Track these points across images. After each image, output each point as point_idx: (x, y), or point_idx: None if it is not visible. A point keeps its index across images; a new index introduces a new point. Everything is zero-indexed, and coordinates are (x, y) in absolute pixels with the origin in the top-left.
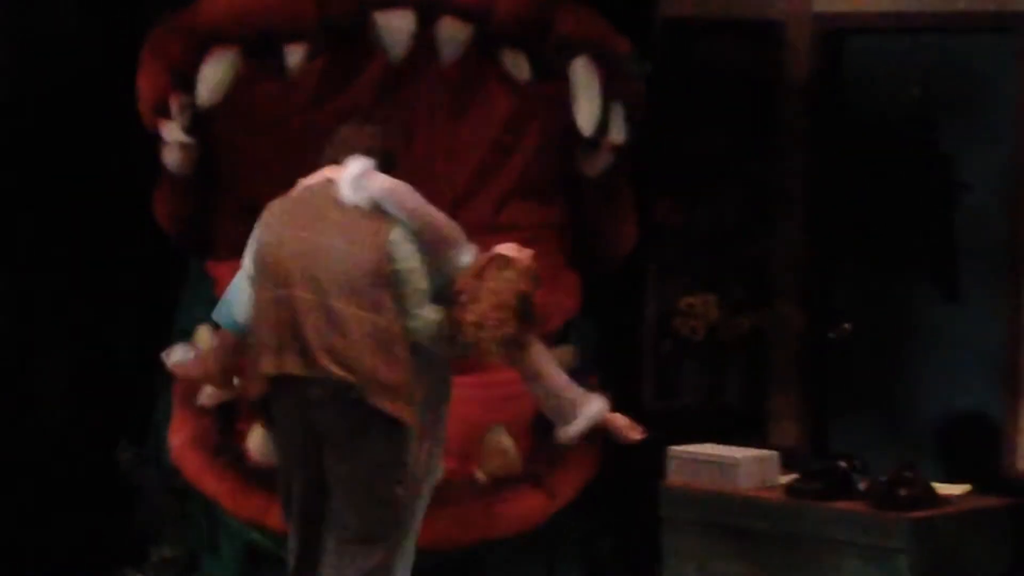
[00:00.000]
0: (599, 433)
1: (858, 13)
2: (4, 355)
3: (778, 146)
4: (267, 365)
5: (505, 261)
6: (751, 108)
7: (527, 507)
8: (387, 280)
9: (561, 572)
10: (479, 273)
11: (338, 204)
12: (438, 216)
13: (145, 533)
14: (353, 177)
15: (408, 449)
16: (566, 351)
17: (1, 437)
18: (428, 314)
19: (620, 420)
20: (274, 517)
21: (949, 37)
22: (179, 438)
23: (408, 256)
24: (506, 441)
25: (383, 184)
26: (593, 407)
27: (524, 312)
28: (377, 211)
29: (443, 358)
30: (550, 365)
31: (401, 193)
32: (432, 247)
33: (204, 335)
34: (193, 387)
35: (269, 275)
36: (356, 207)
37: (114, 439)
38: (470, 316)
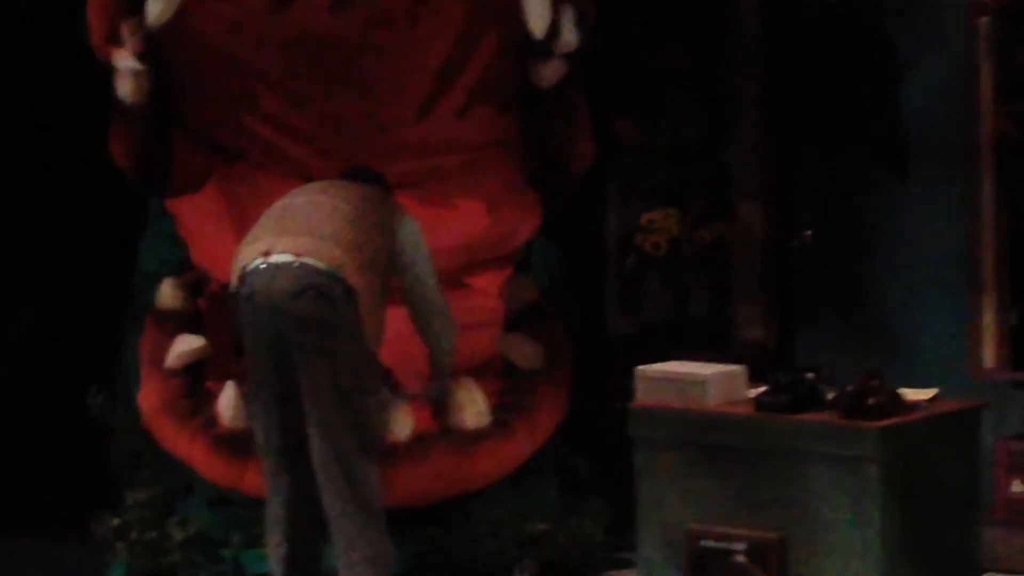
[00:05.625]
0: (568, 370)
1: None
2: None
3: (732, 57)
4: (249, 254)
5: None
6: (703, 21)
7: (501, 458)
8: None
9: (536, 491)
10: None
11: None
12: None
13: (120, 477)
14: None
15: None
16: (527, 282)
17: None
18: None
19: None
20: (248, 482)
21: None
22: (149, 403)
23: (413, 242)
24: (476, 393)
25: None
26: None
27: None
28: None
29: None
30: None
31: None
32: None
33: (167, 290)
34: (160, 348)
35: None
36: None
37: (84, 384)
38: None
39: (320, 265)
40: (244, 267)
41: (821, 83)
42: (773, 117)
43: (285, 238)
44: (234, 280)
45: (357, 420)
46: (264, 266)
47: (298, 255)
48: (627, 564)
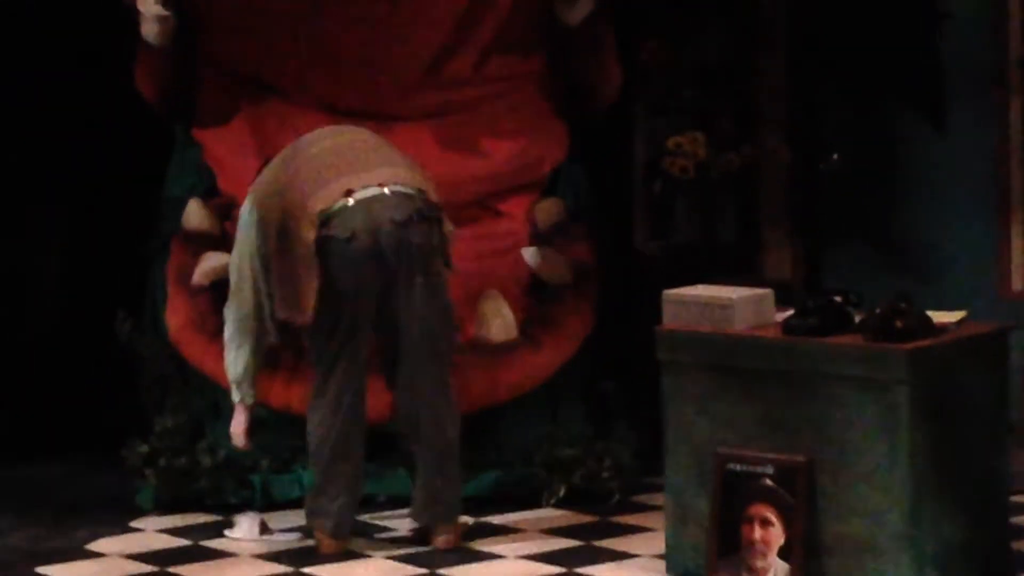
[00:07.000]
0: (595, 283)
1: None
2: None
3: None
4: (327, 197)
5: None
6: None
7: (527, 370)
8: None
9: (565, 416)
10: None
11: None
12: None
13: (149, 403)
14: None
15: None
16: (554, 203)
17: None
18: None
19: None
20: (275, 396)
21: None
22: (176, 320)
23: None
24: (503, 306)
25: None
26: None
27: None
28: None
29: None
30: None
31: None
32: None
33: (194, 210)
34: (186, 267)
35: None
36: None
37: (112, 311)
38: None
39: (410, 191)
40: (325, 211)
41: (848, 4)
42: (801, 39)
43: (362, 173)
44: (309, 228)
45: (448, 341)
46: (352, 203)
47: (382, 185)
48: (655, 488)
